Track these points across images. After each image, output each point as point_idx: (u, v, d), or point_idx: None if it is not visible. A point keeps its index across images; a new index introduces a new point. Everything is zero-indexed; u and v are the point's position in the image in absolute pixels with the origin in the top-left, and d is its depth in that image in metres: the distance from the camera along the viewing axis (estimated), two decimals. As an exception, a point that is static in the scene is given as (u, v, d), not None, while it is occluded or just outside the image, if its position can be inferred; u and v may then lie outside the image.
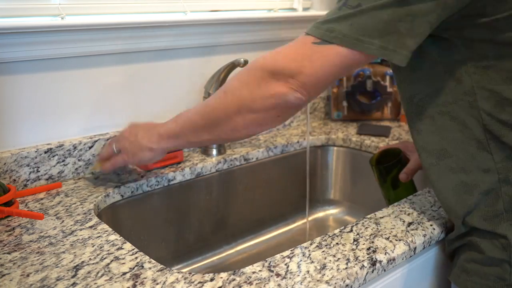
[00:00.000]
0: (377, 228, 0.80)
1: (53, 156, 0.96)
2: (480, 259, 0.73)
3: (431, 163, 0.76)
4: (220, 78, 1.10)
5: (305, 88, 0.68)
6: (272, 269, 0.68)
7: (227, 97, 0.74)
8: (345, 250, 0.73)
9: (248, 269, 0.68)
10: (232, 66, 1.08)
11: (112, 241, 0.76)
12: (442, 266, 0.89)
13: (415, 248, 0.77)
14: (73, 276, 0.66)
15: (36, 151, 0.94)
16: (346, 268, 0.69)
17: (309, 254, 0.72)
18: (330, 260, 0.71)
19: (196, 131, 0.79)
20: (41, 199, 0.90)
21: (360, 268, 0.69)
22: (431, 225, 0.81)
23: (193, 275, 0.67)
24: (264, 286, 0.65)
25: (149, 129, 0.88)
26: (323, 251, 0.73)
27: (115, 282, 0.65)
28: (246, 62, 1.07)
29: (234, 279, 0.66)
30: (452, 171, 0.73)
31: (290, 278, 0.66)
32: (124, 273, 0.67)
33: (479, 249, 0.73)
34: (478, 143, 0.70)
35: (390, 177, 1.01)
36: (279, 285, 0.65)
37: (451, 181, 0.74)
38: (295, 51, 0.68)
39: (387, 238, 0.77)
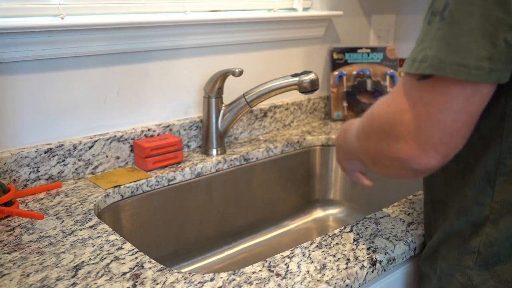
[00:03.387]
0: (377, 228, 0.80)
1: (53, 156, 0.96)
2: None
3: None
4: (216, 86, 1.10)
5: (431, 145, 0.53)
6: (272, 269, 0.68)
7: (359, 141, 0.66)
8: (345, 250, 0.73)
9: (248, 269, 0.68)
10: (227, 73, 1.07)
11: (112, 241, 0.76)
12: (442, 266, 0.89)
13: (415, 248, 0.77)
14: (73, 276, 0.66)
15: (36, 151, 0.94)
16: (346, 268, 0.69)
17: (309, 254, 0.72)
18: (330, 260, 0.71)
19: (357, 156, 0.72)
20: (41, 199, 0.90)
21: (360, 268, 0.69)
22: (431, 225, 0.81)
23: (193, 275, 0.67)
24: (264, 286, 0.65)
25: (343, 146, 0.81)
26: (323, 251, 0.73)
27: (115, 282, 0.65)
28: (241, 72, 1.05)
29: (234, 279, 0.66)
30: None
31: (290, 278, 0.66)
32: (124, 273, 0.67)
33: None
34: None
35: None
36: (279, 285, 0.65)
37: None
38: (401, 98, 0.55)
39: (387, 238, 0.77)
